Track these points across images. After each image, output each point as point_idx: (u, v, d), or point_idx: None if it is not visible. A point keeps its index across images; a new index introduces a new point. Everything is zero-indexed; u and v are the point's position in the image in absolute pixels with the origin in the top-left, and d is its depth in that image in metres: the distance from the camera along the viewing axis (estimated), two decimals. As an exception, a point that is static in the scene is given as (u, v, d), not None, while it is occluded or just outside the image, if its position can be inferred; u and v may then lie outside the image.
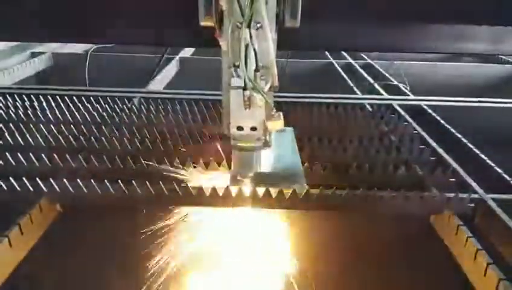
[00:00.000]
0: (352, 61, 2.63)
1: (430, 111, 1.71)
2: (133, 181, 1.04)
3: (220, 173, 1.15)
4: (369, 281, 0.97)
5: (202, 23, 0.73)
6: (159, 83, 2.12)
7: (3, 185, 1.05)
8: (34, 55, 2.58)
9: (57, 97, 1.62)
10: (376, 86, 2.12)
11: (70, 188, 1.05)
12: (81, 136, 1.31)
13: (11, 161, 1.16)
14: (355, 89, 2.07)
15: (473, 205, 1.08)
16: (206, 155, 1.19)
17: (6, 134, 1.31)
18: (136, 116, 1.50)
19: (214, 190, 1.02)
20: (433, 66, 2.66)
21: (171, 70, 2.39)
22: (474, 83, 2.54)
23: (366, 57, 2.76)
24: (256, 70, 0.71)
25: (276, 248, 1.00)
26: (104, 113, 1.51)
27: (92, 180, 1.05)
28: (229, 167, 1.10)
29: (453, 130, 1.51)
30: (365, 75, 2.32)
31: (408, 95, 1.99)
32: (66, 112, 1.49)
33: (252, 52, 0.69)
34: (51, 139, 1.29)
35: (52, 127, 1.37)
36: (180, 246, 0.99)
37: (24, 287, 0.93)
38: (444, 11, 1.18)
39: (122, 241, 1.00)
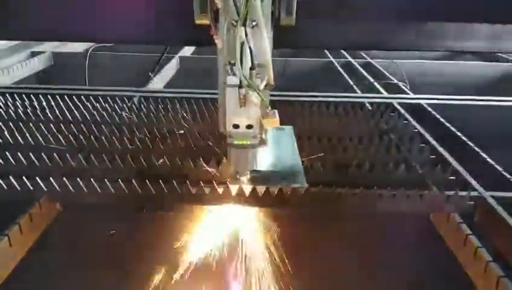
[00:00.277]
0: (352, 60, 2.63)
1: (430, 109, 1.71)
2: (132, 180, 1.04)
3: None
4: (368, 279, 0.97)
5: (197, 21, 0.72)
6: (158, 82, 2.12)
7: (3, 184, 1.06)
8: (33, 54, 2.59)
9: (57, 96, 1.62)
10: (376, 84, 2.11)
11: (70, 187, 1.05)
12: (80, 135, 1.31)
13: (11, 160, 1.16)
14: (355, 87, 2.07)
15: (472, 202, 1.08)
16: (206, 153, 1.19)
17: (6, 133, 1.31)
18: (136, 116, 1.50)
19: (213, 189, 1.02)
20: (433, 64, 2.66)
21: (171, 69, 2.39)
22: (474, 82, 2.53)
23: (366, 56, 2.75)
24: (252, 68, 0.71)
25: (275, 247, 1.00)
26: (104, 113, 1.51)
27: (92, 179, 1.05)
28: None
29: (453, 129, 1.51)
30: (365, 73, 2.32)
31: (408, 94, 1.99)
32: (66, 111, 1.49)
33: (248, 50, 0.69)
34: (51, 138, 1.29)
35: (52, 126, 1.37)
36: (180, 245, 0.99)
37: (24, 287, 0.94)
38: (443, 10, 1.17)
39: (122, 241, 1.00)
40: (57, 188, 1.05)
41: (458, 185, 1.13)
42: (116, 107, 1.57)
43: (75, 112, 1.50)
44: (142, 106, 1.59)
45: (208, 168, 1.15)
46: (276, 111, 0.78)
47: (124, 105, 1.59)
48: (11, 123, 1.39)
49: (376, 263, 1.00)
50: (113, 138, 1.29)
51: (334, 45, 1.70)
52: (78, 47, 2.78)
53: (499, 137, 1.55)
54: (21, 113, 1.48)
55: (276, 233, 1.03)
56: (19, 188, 1.05)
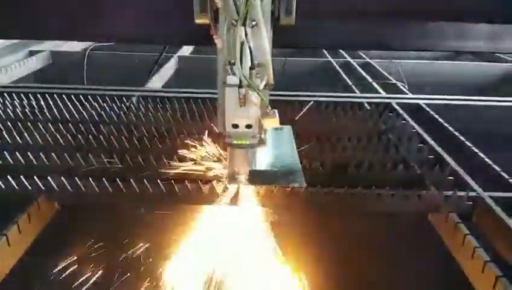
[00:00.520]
0: (351, 60, 2.63)
1: (428, 109, 1.71)
2: (131, 180, 1.04)
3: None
4: (367, 279, 0.97)
5: (197, 21, 0.72)
6: (157, 81, 2.11)
7: (2, 184, 1.05)
8: (32, 53, 2.58)
9: (55, 96, 1.62)
10: (375, 84, 2.11)
11: (68, 186, 1.04)
12: (79, 135, 1.30)
13: (9, 159, 1.16)
14: (353, 87, 2.07)
15: (471, 203, 1.08)
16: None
17: (4, 132, 1.31)
18: (135, 115, 1.50)
19: (212, 188, 1.02)
20: (432, 64, 2.66)
21: (169, 68, 2.39)
22: (473, 82, 2.53)
23: (364, 56, 2.75)
24: (252, 68, 0.70)
25: (275, 246, 1.00)
26: (102, 112, 1.51)
27: (90, 179, 1.05)
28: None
29: (451, 129, 1.51)
30: (364, 74, 2.32)
31: (406, 94, 1.99)
32: (64, 111, 1.49)
33: (248, 50, 0.68)
34: (49, 138, 1.29)
35: (50, 125, 1.37)
36: (179, 246, 0.99)
37: (23, 286, 0.93)
38: (443, 10, 1.17)
39: (121, 240, 1.00)
40: (55, 187, 1.05)
41: (456, 185, 1.13)
42: (115, 106, 1.57)
43: (73, 111, 1.49)
44: (140, 105, 1.59)
45: (207, 168, 1.15)
46: (276, 111, 0.77)
47: (123, 104, 1.58)
48: (9, 122, 1.39)
49: (374, 263, 1.00)
50: (112, 137, 1.29)
51: (334, 45, 1.70)
52: (76, 46, 2.77)
53: (497, 137, 1.56)
54: (19, 113, 1.48)
55: (274, 232, 1.03)
56: (17, 187, 1.05)
